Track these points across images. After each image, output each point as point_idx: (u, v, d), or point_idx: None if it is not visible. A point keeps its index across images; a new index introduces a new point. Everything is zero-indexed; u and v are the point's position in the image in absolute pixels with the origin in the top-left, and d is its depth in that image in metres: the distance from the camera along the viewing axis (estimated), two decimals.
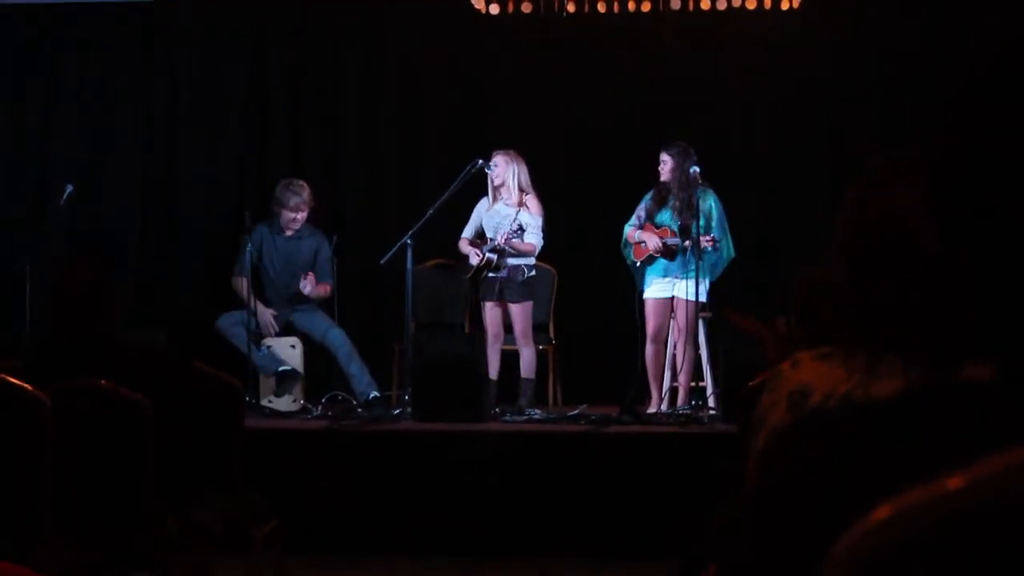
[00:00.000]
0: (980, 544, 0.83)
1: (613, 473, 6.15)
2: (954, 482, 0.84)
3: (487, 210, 7.60)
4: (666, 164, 7.27)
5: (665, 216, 7.29)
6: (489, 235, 7.52)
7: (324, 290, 7.86)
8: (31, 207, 8.68)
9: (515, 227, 7.27)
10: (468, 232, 7.68)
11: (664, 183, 7.31)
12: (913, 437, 1.01)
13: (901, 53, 8.48)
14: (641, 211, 7.39)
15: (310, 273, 7.79)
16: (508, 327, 7.60)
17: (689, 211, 7.16)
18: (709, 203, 7.20)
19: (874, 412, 1.08)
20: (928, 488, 0.85)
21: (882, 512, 0.86)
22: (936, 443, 0.98)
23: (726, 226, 7.30)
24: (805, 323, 3.32)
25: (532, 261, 7.50)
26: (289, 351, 7.68)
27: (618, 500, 6.07)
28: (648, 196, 7.41)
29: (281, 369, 7.55)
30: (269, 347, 7.67)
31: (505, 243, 7.32)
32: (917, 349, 1.44)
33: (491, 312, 7.57)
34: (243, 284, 7.70)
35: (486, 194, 7.63)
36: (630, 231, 7.39)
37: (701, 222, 7.08)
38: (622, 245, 7.47)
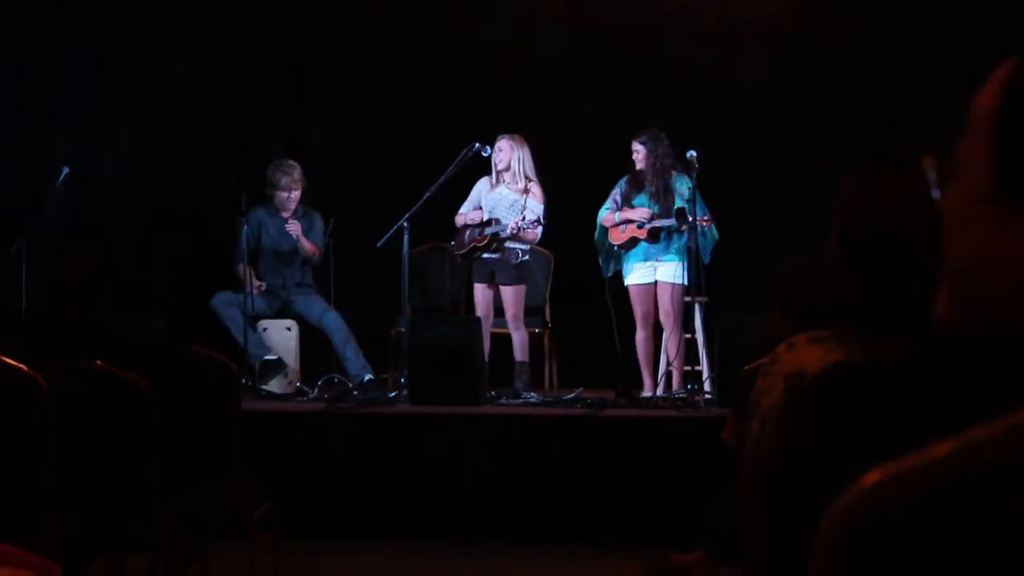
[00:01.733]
0: (968, 510, 0.84)
1: (609, 457, 6.16)
2: (944, 447, 0.84)
3: (488, 191, 7.58)
4: (639, 153, 7.32)
5: (642, 200, 7.30)
6: (489, 216, 7.50)
7: (313, 248, 7.85)
8: (29, 189, 8.66)
9: (532, 220, 7.24)
10: (466, 209, 7.66)
11: (639, 171, 7.33)
12: (907, 403, 1.01)
13: (900, 41, 8.48)
14: (616, 195, 7.40)
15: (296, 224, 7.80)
16: (498, 310, 7.59)
17: (667, 195, 7.19)
18: (684, 186, 7.18)
19: (865, 378, 1.09)
20: (917, 454, 0.85)
21: (871, 478, 0.86)
22: (931, 408, 0.99)
23: (706, 208, 7.29)
24: (790, 313, 3.33)
25: (526, 246, 7.50)
26: (285, 333, 7.68)
27: (614, 484, 6.08)
28: (622, 181, 7.42)
29: (267, 358, 7.53)
30: (265, 329, 7.66)
31: (517, 231, 7.29)
32: (914, 333, 1.45)
33: (482, 294, 7.56)
34: (241, 269, 7.69)
35: (488, 173, 7.61)
36: (607, 215, 7.40)
37: (683, 203, 7.08)
38: (597, 232, 7.46)
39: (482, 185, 7.63)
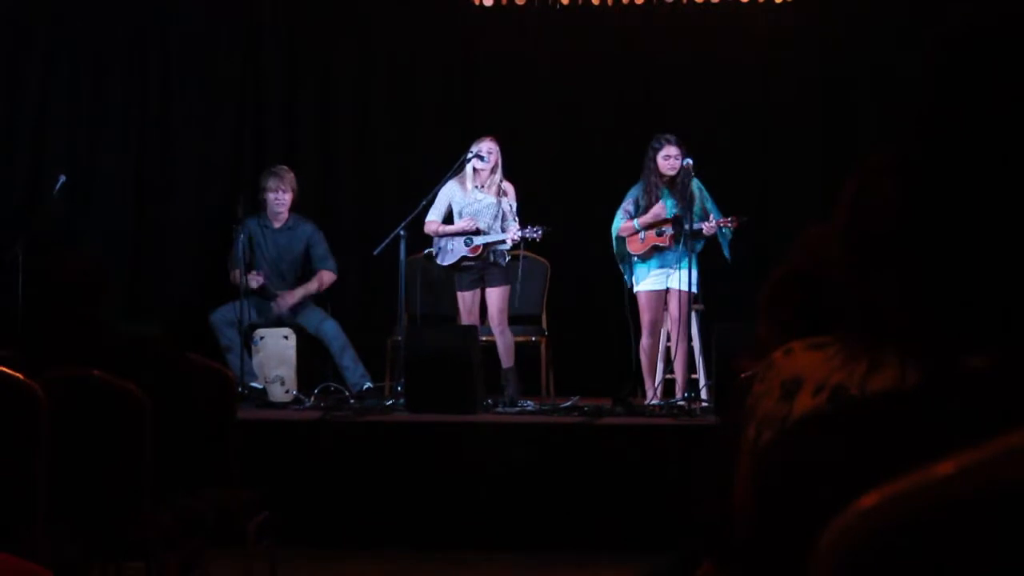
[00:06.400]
0: (970, 532, 0.83)
1: (605, 465, 6.16)
2: (943, 468, 0.84)
3: (463, 195, 7.44)
4: (678, 160, 7.21)
5: (668, 206, 7.22)
6: (468, 220, 7.39)
7: (327, 278, 7.84)
8: (25, 197, 8.65)
9: (535, 228, 7.18)
10: (436, 215, 7.48)
11: (667, 178, 7.23)
12: (909, 427, 1.01)
13: (896, 44, 8.49)
14: (630, 205, 7.31)
15: (287, 293, 7.75)
16: (481, 317, 7.53)
17: (684, 201, 7.15)
18: (696, 188, 7.18)
19: (868, 403, 1.09)
20: (917, 475, 0.85)
21: (869, 500, 0.86)
22: (932, 433, 0.98)
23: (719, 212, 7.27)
24: (774, 322, 3.31)
25: (508, 245, 7.46)
26: (282, 342, 7.66)
27: (610, 492, 6.08)
28: (636, 190, 7.34)
29: (252, 384, 7.49)
30: (262, 338, 7.64)
31: (519, 239, 7.25)
32: (916, 340, 1.44)
33: (470, 300, 7.50)
34: (237, 275, 7.65)
35: (452, 177, 7.48)
36: (624, 224, 7.31)
37: (696, 208, 7.09)
38: (615, 245, 7.37)
39: (451, 190, 7.47)
